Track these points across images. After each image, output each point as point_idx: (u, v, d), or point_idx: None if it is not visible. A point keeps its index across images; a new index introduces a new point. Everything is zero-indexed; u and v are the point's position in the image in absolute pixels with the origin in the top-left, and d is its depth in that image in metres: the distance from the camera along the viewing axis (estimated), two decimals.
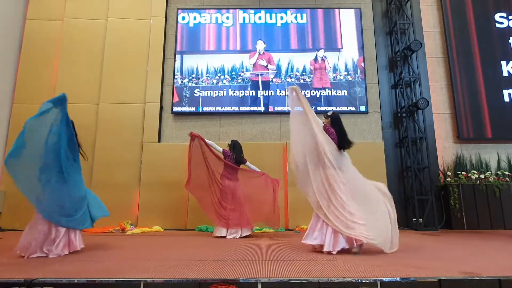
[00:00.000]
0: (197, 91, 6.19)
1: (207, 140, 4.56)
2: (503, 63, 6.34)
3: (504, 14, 6.56)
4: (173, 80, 6.24)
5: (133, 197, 5.64)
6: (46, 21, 6.32)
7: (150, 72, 6.21)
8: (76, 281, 1.98)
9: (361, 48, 6.36)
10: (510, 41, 6.44)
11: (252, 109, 6.14)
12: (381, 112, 6.22)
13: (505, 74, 6.30)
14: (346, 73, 6.25)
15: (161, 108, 6.17)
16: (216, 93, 6.19)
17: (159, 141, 6.01)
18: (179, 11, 6.53)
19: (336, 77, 6.24)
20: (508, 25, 6.52)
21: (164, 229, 5.37)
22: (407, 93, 6.10)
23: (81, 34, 6.26)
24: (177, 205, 5.54)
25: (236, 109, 6.14)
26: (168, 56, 6.40)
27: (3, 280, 1.97)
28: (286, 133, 6.03)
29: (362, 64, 6.29)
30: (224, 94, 6.18)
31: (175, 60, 6.31)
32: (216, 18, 6.53)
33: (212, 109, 6.15)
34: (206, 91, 6.19)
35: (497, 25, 6.51)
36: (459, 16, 6.54)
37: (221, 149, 4.59)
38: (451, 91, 6.32)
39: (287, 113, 5.93)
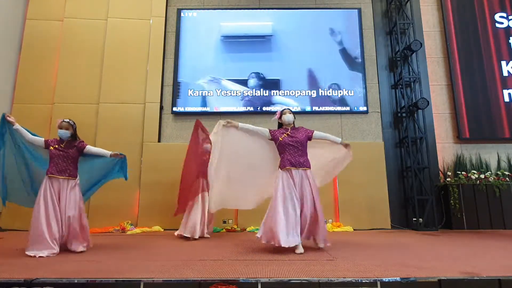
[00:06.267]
0: (197, 90, 6.20)
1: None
2: (503, 63, 6.34)
3: (504, 14, 6.55)
4: (173, 80, 6.24)
5: (133, 197, 5.64)
6: (46, 21, 6.32)
7: (150, 72, 6.21)
8: (76, 281, 1.98)
9: None
10: (510, 41, 6.44)
11: (251, 109, 6.15)
12: (381, 112, 6.22)
13: (505, 74, 6.29)
14: None
15: (161, 108, 6.17)
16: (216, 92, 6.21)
17: (159, 141, 6.01)
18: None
19: None
20: (508, 25, 6.52)
21: (164, 229, 5.37)
22: (407, 93, 6.09)
23: (81, 34, 6.26)
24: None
25: (236, 109, 6.15)
26: (168, 56, 6.40)
27: (3, 280, 1.97)
28: None
29: None
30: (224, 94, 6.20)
31: (175, 60, 6.32)
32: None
33: (212, 109, 6.15)
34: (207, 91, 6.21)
35: (497, 25, 6.51)
36: (459, 16, 6.55)
37: None
38: (451, 91, 6.31)
39: None
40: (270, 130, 3.35)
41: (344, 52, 6.35)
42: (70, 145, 3.22)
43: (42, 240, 2.90)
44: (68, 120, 3.30)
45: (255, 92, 6.21)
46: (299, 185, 3.09)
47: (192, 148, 4.50)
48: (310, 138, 3.33)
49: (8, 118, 3.18)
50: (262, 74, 6.28)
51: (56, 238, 2.97)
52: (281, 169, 3.16)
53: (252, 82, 6.25)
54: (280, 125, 3.42)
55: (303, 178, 3.10)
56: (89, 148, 3.32)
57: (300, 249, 2.98)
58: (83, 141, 3.34)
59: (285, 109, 3.41)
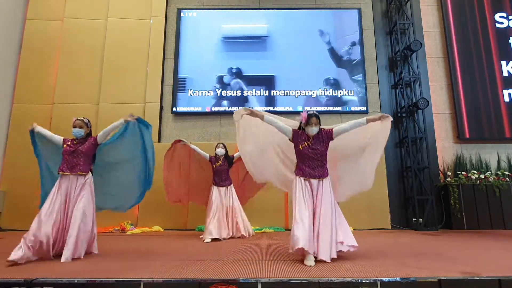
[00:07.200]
0: (197, 90, 6.20)
1: (192, 145, 4.57)
2: (503, 63, 6.34)
3: (504, 14, 6.56)
4: (173, 80, 6.24)
5: None
6: (46, 21, 6.32)
7: (150, 72, 6.21)
8: (76, 281, 1.98)
9: None
10: (510, 41, 6.44)
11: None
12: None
13: (505, 74, 6.30)
14: None
15: (161, 108, 6.17)
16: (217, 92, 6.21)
17: (159, 141, 6.01)
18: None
19: None
20: (508, 25, 6.52)
21: (164, 229, 5.37)
22: (407, 93, 6.09)
23: (81, 34, 6.26)
24: (177, 205, 5.53)
25: (235, 109, 6.15)
26: (168, 56, 6.40)
27: (3, 280, 1.97)
28: None
29: None
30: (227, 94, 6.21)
31: (175, 60, 6.32)
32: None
33: (212, 109, 6.16)
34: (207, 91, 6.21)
35: (497, 25, 6.51)
36: (459, 16, 6.55)
37: (207, 155, 4.49)
38: (451, 91, 6.31)
39: (288, 112, 5.95)
40: (293, 131, 3.01)
41: (331, 51, 6.36)
42: (83, 141, 3.20)
43: (41, 243, 2.82)
44: (82, 118, 3.28)
45: (255, 92, 6.21)
46: (315, 195, 2.87)
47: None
48: (332, 139, 3.00)
49: (31, 128, 3.20)
50: (261, 74, 6.28)
51: (55, 241, 2.84)
52: (298, 176, 2.91)
53: (251, 81, 6.25)
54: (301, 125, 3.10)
55: (320, 188, 2.87)
56: (100, 134, 3.32)
57: (311, 261, 2.55)
58: (92, 136, 3.30)
59: (313, 117, 2.93)
